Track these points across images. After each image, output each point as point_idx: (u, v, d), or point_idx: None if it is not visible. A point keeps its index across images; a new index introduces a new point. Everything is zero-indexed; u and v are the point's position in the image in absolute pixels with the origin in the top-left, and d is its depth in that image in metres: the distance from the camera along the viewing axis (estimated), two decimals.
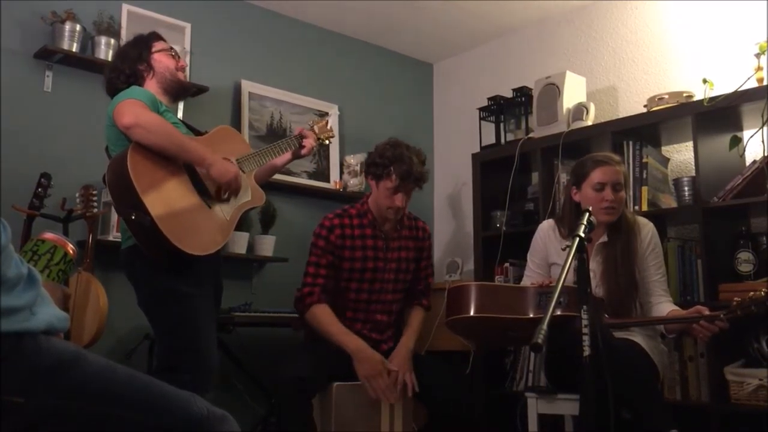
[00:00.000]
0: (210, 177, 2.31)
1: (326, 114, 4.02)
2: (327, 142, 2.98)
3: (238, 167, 2.40)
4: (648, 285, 2.54)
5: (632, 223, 2.58)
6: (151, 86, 2.43)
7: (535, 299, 2.35)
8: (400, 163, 2.67)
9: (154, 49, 2.48)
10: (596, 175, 2.54)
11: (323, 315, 2.69)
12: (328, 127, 2.95)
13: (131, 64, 2.43)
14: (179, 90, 2.54)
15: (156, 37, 2.54)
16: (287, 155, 2.73)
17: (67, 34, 3.11)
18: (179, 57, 2.54)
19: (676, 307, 2.49)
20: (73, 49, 3.13)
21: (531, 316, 2.32)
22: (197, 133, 2.48)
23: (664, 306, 2.49)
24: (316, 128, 2.87)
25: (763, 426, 2.61)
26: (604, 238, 2.56)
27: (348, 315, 2.77)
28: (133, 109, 2.16)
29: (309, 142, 2.74)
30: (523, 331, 2.33)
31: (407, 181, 2.69)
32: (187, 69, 3.21)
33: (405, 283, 2.87)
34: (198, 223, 2.26)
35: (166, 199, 2.17)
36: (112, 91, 2.40)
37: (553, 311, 1.65)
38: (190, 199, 2.26)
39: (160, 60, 2.47)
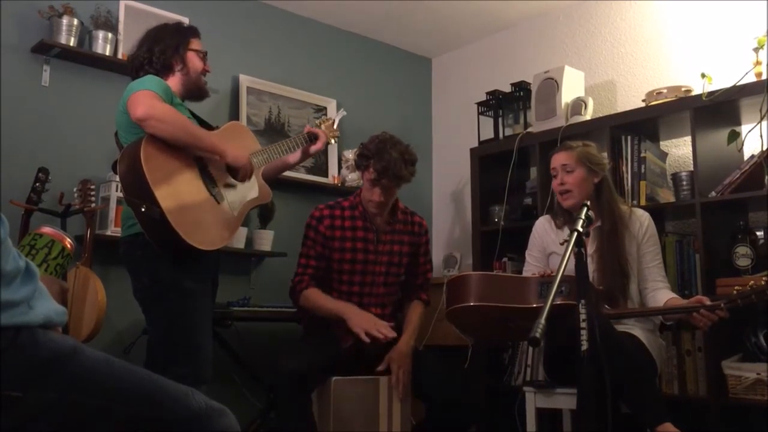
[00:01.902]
0: (226, 164, 2.32)
1: (324, 108, 4.03)
2: (332, 141, 3.00)
3: (248, 155, 2.40)
4: (645, 272, 2.56)
5: (622, 211, 2.61)
6: (174, 81, 2.42)
7: (536, 288, 2.34)
8: (380, 159, 2.68)
9: (191, 46, 2.47)
10: (551, 163, 2.67)
11: (314, 295, 2.74)
12: (335, 127, 2.97)
13: (165, 52, 2.41)
14: (197, 94, 2.52)
15: (195, 33, 2.53)
16: (297, 153, 2.74)
17: (64, 28, 3.10)
18: (206, 61, 2.53)
19: (674, 294, 2.53)
20: (71, 44, 3.12)
21: (533, 305, 2.32)
22: (208, 127, 2.48)
23: (662, 293, 2.51)
24: (323, 127, 2.88)
25: (761, 420, 2.62)
26: (597, 223, 2.59)
27: None
28: (147, 101, 2.15)
29: (320, 142, 2.75)
30: (524, 320, 2.32)
31: (384, 176, 2.68)
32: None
33: (398, 276, 2.87)
34: (207, 218, 2.27)
35: (177, 192, 2.17)
36: (134, 71, 2.39)
37: (554, 300, 1.65)
38: (200, 194, 2.27)
39: (192, 59, 2.47)
